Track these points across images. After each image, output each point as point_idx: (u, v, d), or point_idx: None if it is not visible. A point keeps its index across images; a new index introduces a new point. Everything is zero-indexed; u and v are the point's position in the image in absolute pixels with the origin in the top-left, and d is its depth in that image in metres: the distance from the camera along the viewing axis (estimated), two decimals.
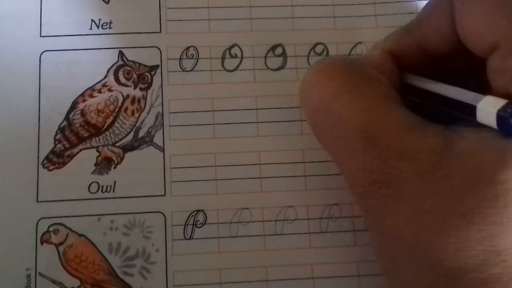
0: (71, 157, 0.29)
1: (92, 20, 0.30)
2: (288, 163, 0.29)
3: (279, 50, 0.31)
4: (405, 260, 0.21)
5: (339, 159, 0.23)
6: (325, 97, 0.23)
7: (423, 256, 0.20)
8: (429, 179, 0.20)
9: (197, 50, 0.30)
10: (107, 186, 0.28)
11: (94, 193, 0.28)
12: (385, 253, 0.22)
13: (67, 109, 0.29)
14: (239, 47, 0.31)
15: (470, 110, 0.22)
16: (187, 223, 0.28)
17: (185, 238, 0.28)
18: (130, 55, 0.30)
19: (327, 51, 0.31)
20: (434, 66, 0.25)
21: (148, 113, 0.29)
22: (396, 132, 0.21)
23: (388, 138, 0.21)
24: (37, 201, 0.28)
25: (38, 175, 0.28)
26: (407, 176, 0.20)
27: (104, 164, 0.29)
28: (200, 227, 0.28)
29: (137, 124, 0.29)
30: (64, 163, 0.29)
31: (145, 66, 0.30)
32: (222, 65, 0.30)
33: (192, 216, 0.28)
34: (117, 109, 0.29)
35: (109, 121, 0.29)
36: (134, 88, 0.30)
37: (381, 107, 0.22)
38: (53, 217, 0.28)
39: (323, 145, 0.25)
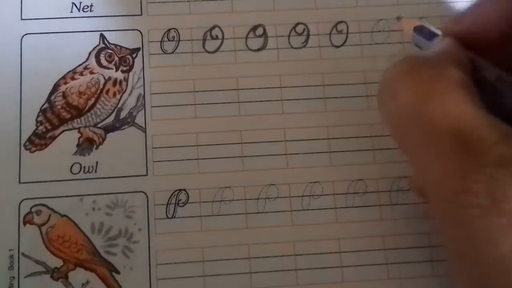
0: (52, 138, 0.29)
1: (73, 3, 0.31)
2: (270, 142, 0.29)
3: (260, 31, 0.31)
4: (495, 279, 0.19)
5: (425, 165, 0.22)
6: (415, 100, 0.22)
7: None
8: None
9: (178, 32, 0.31)
10: (89, 166, 0.29)
11: (76, 173, 0.28)
12: (470, 268, 0.20)
13: (49, 92, 0.29)
14: (220, 28, 0.31)
15: None
16: (169, 203, 0.28)
17: (168, 217, 0.28)
18: (111, 38, 0.30)
19: (308, 30, 0.31)
20: None
21: (129, 94, 0.30)
22: (494, 140, 0.20)
23: (485, 146, 0.20)
24: (19, 182, 0.28)
25: (20, 157, 0.28)
26: (505, 186, 0.19)
27: (86, 145, 0.29)
28: (182, 206, 0.28)
29: (119, 105, 0.29)
30: (46, 145, 0.29)
31: (126, 49, 0.30)
32: (203, 46, 0.31)
33: (174, 195, 0.29)
34: (98, 91, 0.29)
35: (90, 102, 0.29)
36: (116, 71, 0.30)
37: (476, 114, 0.21)
38: (36, 198, 0.28)
39: (404, 149, 0.23)
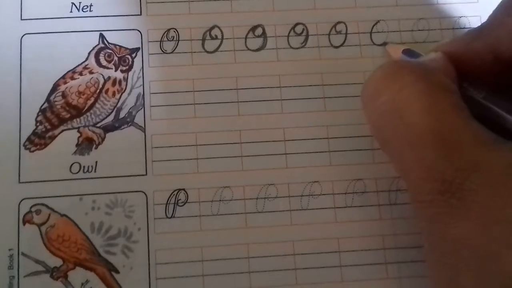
0: (52, 138, 0.29)
1: (73, 3, 0.31)
2: (269, 141, 0.30)
3: (259, 31, 0.31)
4: (468, 269, 0.21)
5: (405, 166, 0.22)
6: (397, 102, 0.22)
7: (488, 265, 0.20)
8: (502, 192, 0.20)
9: (178, 32, 0.31)
10: (88, 166, 0.29)
11: (75, 173, 0.28)
12: (445, 260, 0.22)
13: (48, 91, 0.29)
14: (219, 28, 0.31)
15: None
16: (168, 202, 0.28)
17: (167, 217, 0.28)
18: (110, 37, 0.30)
19: (307, 31, 0.31)
20: (506, 74, 0.24)
21: (129, 94, 0.30)
22: (473, 145, 0.21)
23: (464, 149, 0.21)
24: (19, 182, 0.28)
25: (19, 156, 0.28)
26: (478, 188, 0.20)
27: (85, 145, 0.29)
28: (182, 205, 0.28)
29: (118, 105, 0.29)
30: (46, 144, 0.29)
31: (126, 48, 0.30)
32: (203, 46, 0.31)
33: (174, 195, 0.29)
34: (98, 90, 0.30)
35: (90, 102, 0.29)
36: (115, 70, 0.30)
37: (457, 118, 0.21)
38: (35, 198, 0.28)
39: (386, 150, 0.24)
